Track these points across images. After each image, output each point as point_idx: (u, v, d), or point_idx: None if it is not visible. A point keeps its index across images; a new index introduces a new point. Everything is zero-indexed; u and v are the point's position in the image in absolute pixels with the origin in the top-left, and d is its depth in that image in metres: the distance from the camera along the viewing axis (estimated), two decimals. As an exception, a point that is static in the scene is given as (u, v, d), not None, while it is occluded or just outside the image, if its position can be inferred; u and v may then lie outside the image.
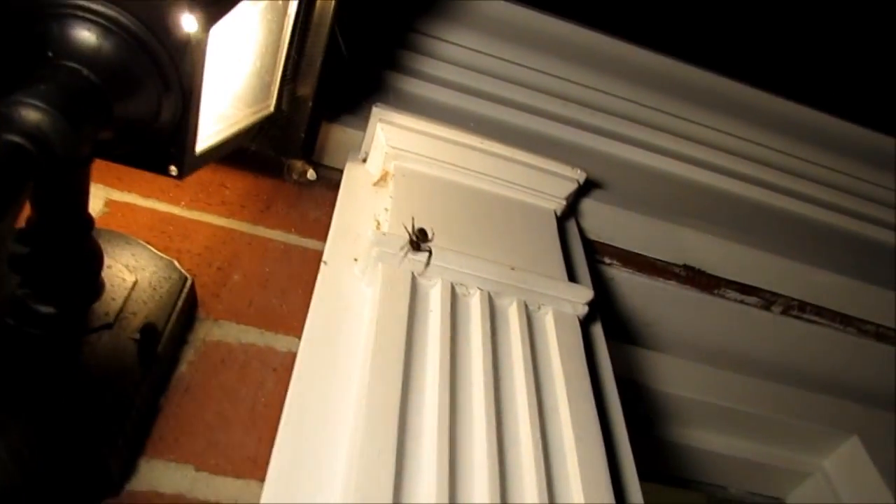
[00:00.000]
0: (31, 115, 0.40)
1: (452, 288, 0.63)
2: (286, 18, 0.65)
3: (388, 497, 0.45)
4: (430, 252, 0.61)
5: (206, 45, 0.49)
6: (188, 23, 0.47)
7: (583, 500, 0.49)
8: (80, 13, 0.44)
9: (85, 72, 0.44)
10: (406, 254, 0.60)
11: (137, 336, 0.53)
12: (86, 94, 0.44)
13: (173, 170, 0.53)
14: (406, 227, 0.61)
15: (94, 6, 0.44)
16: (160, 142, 0.52)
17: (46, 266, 0.49)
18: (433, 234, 0.62)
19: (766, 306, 1.00)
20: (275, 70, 0.70)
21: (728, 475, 1.08)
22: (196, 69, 0.50)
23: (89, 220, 0.50)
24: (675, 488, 1.11)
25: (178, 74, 0.49)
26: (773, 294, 0.99)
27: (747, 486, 1.09)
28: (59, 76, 0.43)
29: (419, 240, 0.61)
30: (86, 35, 0.45)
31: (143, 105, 0.49)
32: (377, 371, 0.53)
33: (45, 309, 0.50)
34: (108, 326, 0.53)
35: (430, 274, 0.63)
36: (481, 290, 0.64)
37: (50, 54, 0.44)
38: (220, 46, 0.55)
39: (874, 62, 1.16)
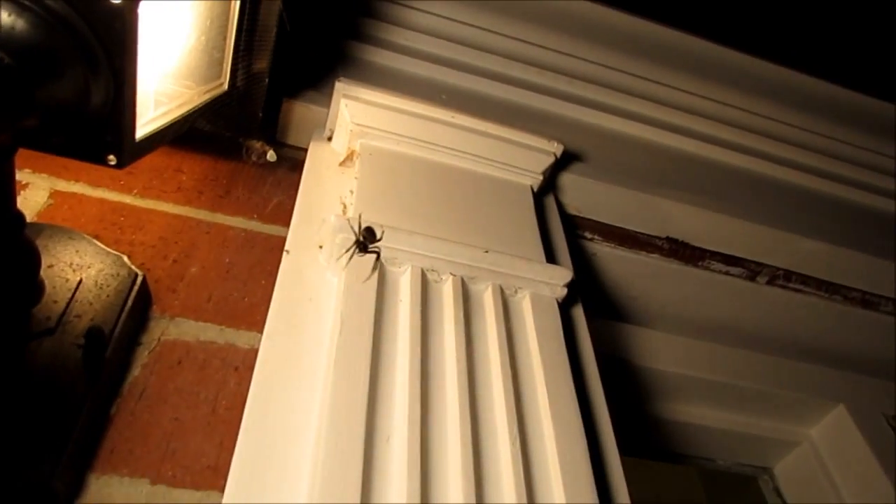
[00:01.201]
0: (-67, 104, 0.35)
1: (423, 274, 0.59)
2: (233, -12, 0.60)
3: (356, 498, 0.42)
4: (378, 254, 0.57)
5: (135, 18, 0.44)
6: (113, -5, 0.42)
7: (563, 500, 0.47)
8: (-13, -12, 0.40)
9: (-3, 54, 0.40)
10: (352, 256, 0.56)
11: (82, 341, 0.49)
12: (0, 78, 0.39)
13: (112, 159, 0.49)
14: (352, 226, 0.56)
15: (2, -21, 0.39)
16: (94, 129, 0.47)
17: (-29, 270, 0.45)
18: (382, 232, 0.57)
19: (752, 277, 0.97)
20: (225, 44, 0.65)
21: (716, 447, 1.07)
22: (127, 46, 0.45)
23: (19, 217, 0.46)
24: (665, 463, 1.10)
25: (106, 53, 0.44)
26: (758, 264, 0.96)
27: (735, 457, 1.08)
28: (-34, 60, 0.39)
29: (366, 240, 0.57)
30: (-5, 13, 0.40)
31: (68, 88, 0.44)
32: (343, 366, 0.49)
33: (-26, 317, 0.46)
34: (50, 332, 0.49)
35: (400, 260, 0.59)
36: (454, 275, 0.60)
37: (-45, 35, 0.39)
38: (156, 20, 0.50)
39: (851, 20, 1.13)
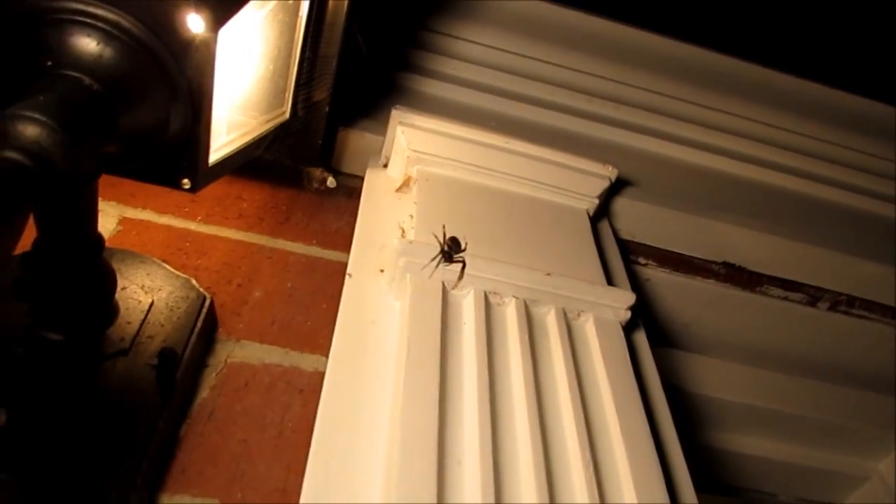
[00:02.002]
0: (29, 129, 0.37)
1: (486, 297, 0.59)
2: (298, 19, 0.62)
3: (431, 527, 0.41)
4: (464, 263, 0.57)
5: (214, 47, 0.45)
6: (195, 24, 0.43)
7: (643, 528, 0.45)
8: (80, 18, 0.41)
9: (86, 81, 0.41)
10: (438, 265, 0.56)
11: (155, 361, 0.50)
12: (88, 104, 0.41)
13: (186, 183, 0.50)
14: (436, 237, 0.57)
15: (93, 10, 0.41)
16: (170, 154, 0.49)
17: (54, 291, 0.46)
18: (466, 242, 0.57)
19: (812, 302, 0.94)
20: (288, 74, 0.67)
21: (777, 481, 1.03)
22: (205, 74, 0.46)
23: (99, 240, 0.47)
24: (719, 496, 1.06)
25: (187, 80, 0.45)
26: (819, 289, 0.94)
27: (798, 492, 1.03)
28: (59, 86, 0.40)
29: (451, 250, 0.57)
30: (86, 41, 0.41)
31: (150, 114, 0.45)
32: (411, 389, 0.49)
33: (55, 336, 0.47)
34: (124, 353, 0.50)
35: (462, 283, 0.59)
36: (516, 298, 0.60)
37: (49, 64, 0.41)
38: (229, 50, 0.52)
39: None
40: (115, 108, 0.43)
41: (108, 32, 0.42)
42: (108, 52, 0.42)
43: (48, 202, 0.41)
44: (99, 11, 0.41)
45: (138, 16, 0.42)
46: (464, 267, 0.57)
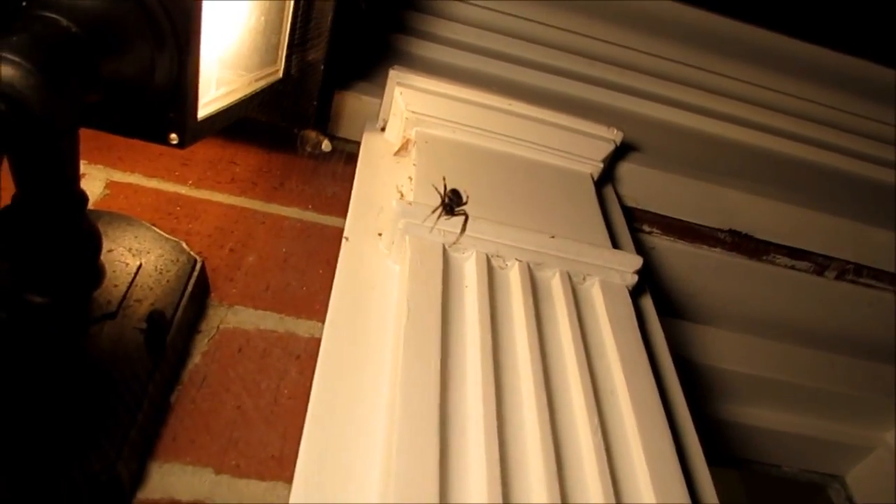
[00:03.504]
0: (3, 70, 0.34)
1: (488, 260, 0.57)
2: (291, -31, 0.59)
3: (435, 498, 0.39)
4: (466, 216, 0.54)
5: (202, -9, 0.42)
6: (180, -36, 0.40)
7: (654, 500, 0.43)
8: (56, -45, 0.38)
9: (64, 22, 0.38)
10: (439, 218, 0.53)
11: (144, 325, 0.48)
12: (66, 47, 0.38)
13: (174, 138, 0.47)
14: (437, 189, 0.54)
15: (70, -54, 0.38)
16: (157, 107, 0.46)
17: (36, 250, 0.43)
18: (467, 196, 0.55)
19: (819, 271, 0.93)
20: (281, 31, 0.64)
21: (781, 452, 1.02)
22: (193, 21, 0.43)
23: (82, 197, 0.45)
24: (719, 468, 1.05)
25: (173, 27, 0.43)
26: (827, 258, 0.92)
27: (802, 463, 1.02)
28: (35, 27, 0.37)
29: (452, 202, 0.54)
30: (62, -20, 0.39)
31: (134, 62, 0.43)
32: (411, 355, 0.47)
33: (39, 299, 0.45)
34: (111, 316, 0.48)
35: (463, 245, 0.56)
36: (520, 261, 0.57)
37: (24, 3, 0.38)
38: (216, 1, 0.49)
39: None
40: (96, 52, 0.40)
41: (86, -28, 0.39)
42: (86, -7, 0.40)
43: (25, 150, 0.39)
44: (76, -52, 0.39)
45: (119, -46, 0.40)
46: (466, 220, 0.54)
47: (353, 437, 0.45)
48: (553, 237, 0.59)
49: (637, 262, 0.61)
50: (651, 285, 0.93)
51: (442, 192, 0.54)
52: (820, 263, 0.92)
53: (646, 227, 0.88)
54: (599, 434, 0.46)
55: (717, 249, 0.90)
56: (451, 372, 0.48)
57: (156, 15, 0.42)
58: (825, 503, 1.03)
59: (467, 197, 0.55)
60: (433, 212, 0.54)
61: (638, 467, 0.46)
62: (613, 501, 0.42)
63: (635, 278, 0.61)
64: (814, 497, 1.08)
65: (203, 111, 0.50)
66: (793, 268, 0.92)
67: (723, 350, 0.95)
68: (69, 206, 0.44)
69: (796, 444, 1.00)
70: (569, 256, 0.59)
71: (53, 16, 0.38)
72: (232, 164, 0.72)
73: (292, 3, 0.63)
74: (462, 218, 0.54)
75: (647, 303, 0.65)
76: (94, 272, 0.49)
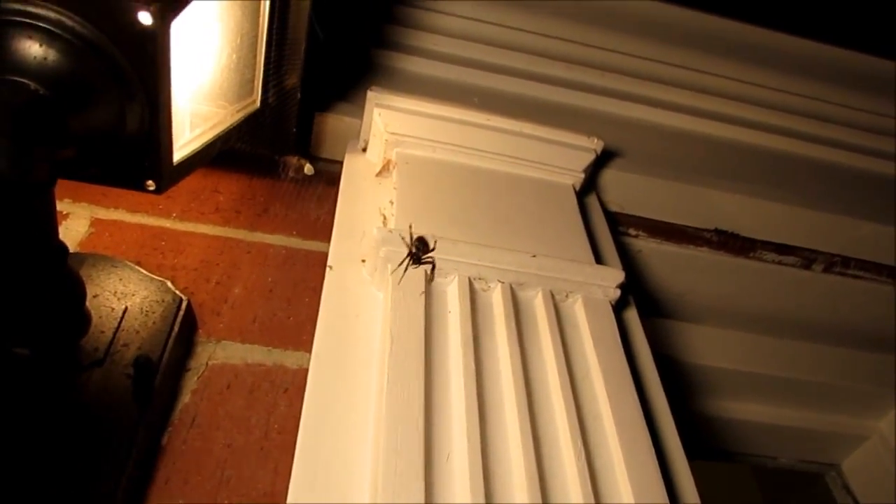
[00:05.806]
0: (-29, 141, 0.35)
1: (470, 283, 0.57)
2: (261, 4, 0.59)
3: (420, 528, 0.40)
4: (433, 264, 0.55)
5: (167, 39, 0.43)
6: (144, 18, 0.41)
7: (637, 514, 0.44)
8: (19, 19, 0.39)
9: (32, 85, 0.39)
10: (406, 269, 0.54)
11: (131, 371, 0.49)
12: (34, 110, 0.39)
13: (150, 185, 0.48)
14: (403, 238, 0.55)
15: (32, 9, 0.39)
16: (132, 155, 0.47)
17: (17, 304, 0.44)
18: (435, 242, 0.56)
19: (807, 265, 0.93)
20: (255, 62, 0.64)
21: (777, 445, 1.03)
22: (160, 69, 0.44)
23: (61, 249, 0.45)
24: (720, 462, 1.06)
25: (140, 77, 0.43)
26: (813, 251, 0.92)
27: (799, 454, 1.03)
28: (2, 93, 0.38)
29: (419, 251, 0.55)
30: (27, 44, 0.39)
31: (103, 116, 0.43)
32: (396, 385, 0.48)
33: (22, 352, 0.45)
34: (99, 363, 0.49)
35: (446, 270, 0.57)
36: (502, 282, 0.58)
37: (-10, 69, 0.39)
38: (187, 42, 0.49)
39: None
40: (65, 111, 0.40)
41: (50, 32, 0.40)
42: (52, 54, 0.40)
43: (1, 212, 0.39)
44: (39, 11, 0.39)
45: (82, 12, 0.40)
46: (433, 269, 0.55)
47: (342, 470, 0.46)
48: (534, 256, 0.60)
49: (619, 276, 0.61)
50: (639, 288, 0.94)
51: (409, 241, 0.55)
52: (807, 258, 0.93)
53: (631, 231, 0.88)
54: (583, 458, 0.47)
55: (704, 249, 0.90)
56: (435, 399, 0.48)
57: (122, 68, 0.42)
58: (822, 491, 1.04)
59: (435, 242, 0.56)
60: (400, 264, 0.54)
61: (623, 491, 0.46)
62: (598, 525, 0.43)
63: (618, 293, 0.61)
64: (811, 485, 1.09)
65: (178, 154, 0.51)
66: (780, 263, 0.93)
67: (715, 348, 0.96)
68: (48, 260, 0.44)
69: (792, 437, 1.01)
70: (551, 275, 0.60)
71: (21, 80, 0.39)
72: (215, 193, 0.72)
73: (265, 34, 0.63)
74: (429, 266, 0.55)
75: (632, 314, 0.66)
76: (80, 320, 0.49)
